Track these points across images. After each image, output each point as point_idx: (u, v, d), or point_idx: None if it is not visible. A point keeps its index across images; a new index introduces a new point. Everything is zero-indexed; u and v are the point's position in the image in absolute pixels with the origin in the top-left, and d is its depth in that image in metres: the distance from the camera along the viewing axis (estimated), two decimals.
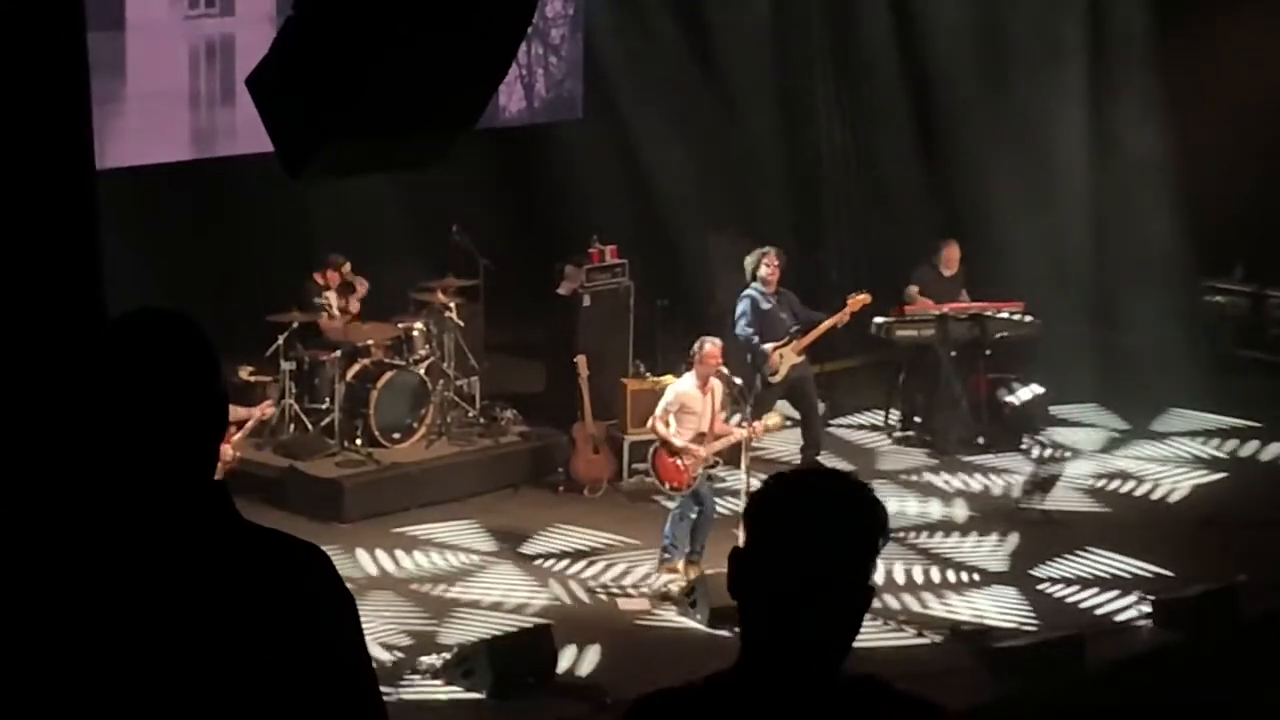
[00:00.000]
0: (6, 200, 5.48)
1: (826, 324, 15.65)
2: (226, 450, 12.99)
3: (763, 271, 15.65)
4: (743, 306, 15.68)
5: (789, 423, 15.43)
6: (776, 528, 3.15)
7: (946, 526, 14.87)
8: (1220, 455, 16.59)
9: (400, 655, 12.19)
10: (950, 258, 16.90)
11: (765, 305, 15.65)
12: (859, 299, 15.66)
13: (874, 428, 17.23)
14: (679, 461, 13.48)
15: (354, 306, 15.95)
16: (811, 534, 3.12)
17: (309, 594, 3.09)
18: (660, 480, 13.62)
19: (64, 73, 5.51)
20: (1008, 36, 18.19)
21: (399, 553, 14.06)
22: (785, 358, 15.62)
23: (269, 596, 3.04)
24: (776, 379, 15.61)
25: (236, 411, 13.75)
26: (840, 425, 17.20)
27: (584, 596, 13.43)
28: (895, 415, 17.13)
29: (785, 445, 16.22)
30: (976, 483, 15.91)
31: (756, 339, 15.59)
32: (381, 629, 12.49)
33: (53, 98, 5.49)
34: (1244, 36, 17.88)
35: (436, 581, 13.62)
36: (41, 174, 5.50)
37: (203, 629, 2.99)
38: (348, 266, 15.80)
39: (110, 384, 3.04)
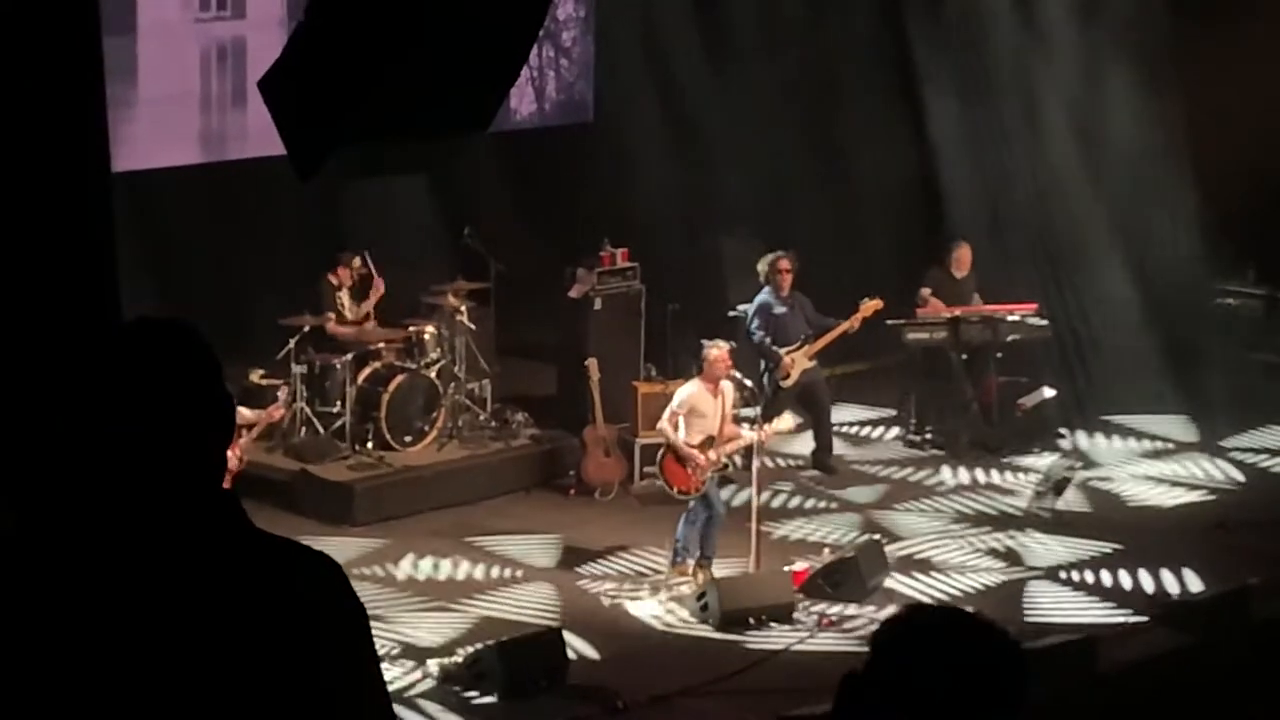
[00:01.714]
0: (25, 204, 5.49)
1: (839, 329, 15.66)
2: (232, 455, 12.99)
3: (775, 276, 15.68)
4: (755, 310, 15.71)
5: (798, 426, 15.43)
6: (923, 675, 2.81)
7: (952, 528, 14.87)
8: (1231, 457, 16.57)
9: (411, 659, 12.19)
10: (962, 259, 16.90)
11: (777, 309, 15.67)
12: (871, 304, 15.67)
13: (885, 431, 17.21)
14: (686, 466, 13.48)
15: (368, 307, 15.91)
16: (952, 700, 2.79)
17: (319, 604, 3.08)
18: (667, 484, 13.62)
19: (80, 78, 5.53)
20: (1018, 40, 18.18)
21: (409, 556, 14.07)
22: (797, 362, 15.64)
23: (279, 606, 3.03)
24: (788, 383, 15.63)
25: (244, 415, 13.76)
26: (851, 428, 17.19)
27: (595, 599, 13.43)
28: (907, 418, 17.11)
29: (796, 448, 16.22)
30: (987, 486, 15.89)
31: (769, 342, 15.60)
32: (390, 634, 12.49)
33: (69, 103, 5.51)
34: (1261, 38, 17.85)
35: (445, 585, 13.62)
36: (58, 178, 5.52)
37: (211, 639, 2.99)
38: (358, 262, 15.78)
39: (111, 397, 3.04)
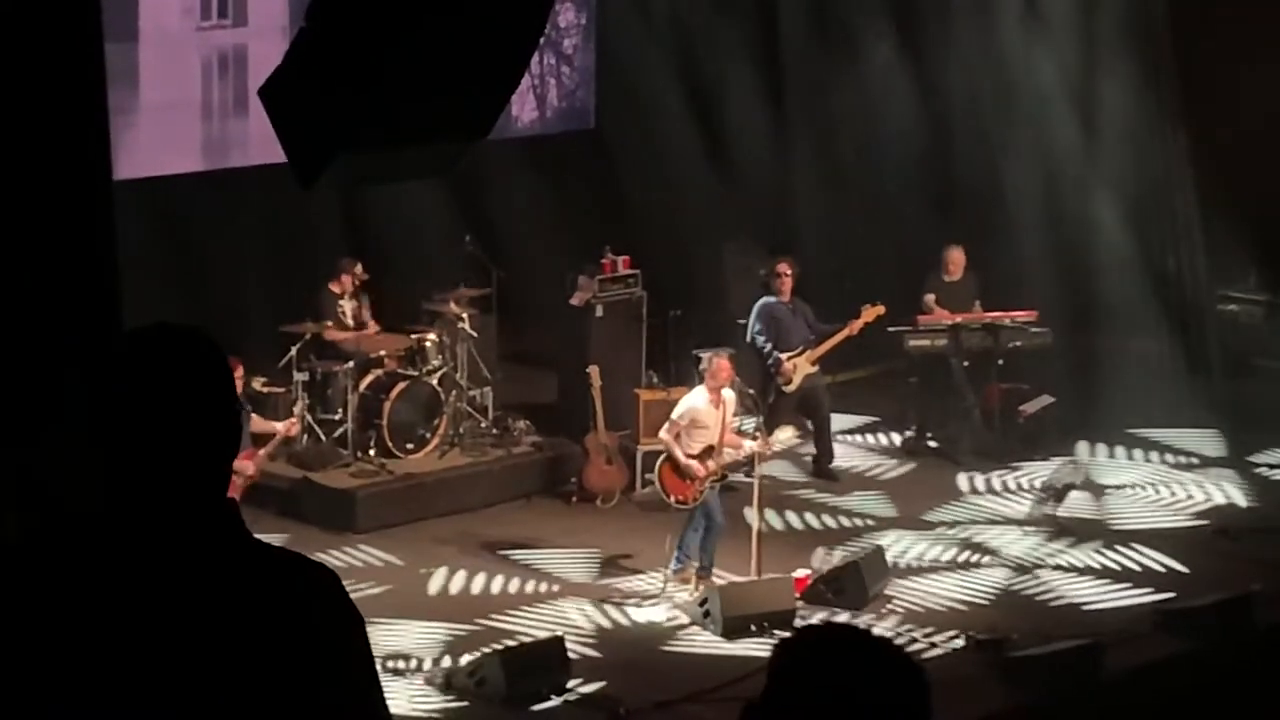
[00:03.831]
0: (26, 211, 5.49)
1: (840, 335, 15.69)
2: (249, 467, 13.01)
3: (776, 280, 15.70)
4: (757, 315, 15.73)
5: (800, 437, 15.43)
6: (809, 700, 2.75)
7: (954, 535, 14.86)
8: (1233, 463, 16.55)
9: (413, 667, 12.19)
10: (953, 261, 16.87)
11: (779, 314, 15.70)
12: (873, 310, 15.69)
13: (886, 438, 17.19)
14: (683, 476, 13.47)
15: (365, 314, 15.87)
16: (853, 716, 2.74)
17: (317, 614, 3.08)
18: (665, 493, 13.62)
19: (81, 85, 5.53)
20: (1021, 42, 18.17)
21: (413, 562, 14.06)
22: (799, 367, 15.65)
23: (277, 617, 3.04)
24: (790, 388, 15.65)
25: (261, 425, 13.75)
26: (853, 435, 17.17)
27: (596, 606, 13.41)
28: (908, 425, 17.09)
29: (797, 456, 16.20)
30: (989, 491, 15.88)
31: (770, 348, 15.61)
32: (392, 642, 12.48)
33: (70, 110, 5.51)
34: (1261, 41, 17.84)
35: (449, 592, 13.61)
36: (60, 185, 5.52)
37: (210, 648, 2.99)
38: (359, 268, 15.75)
39: (123, 400, 3.04)
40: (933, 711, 2.78)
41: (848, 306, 16.12)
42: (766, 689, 2.82)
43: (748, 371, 14.85)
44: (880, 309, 15.77)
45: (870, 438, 17.25)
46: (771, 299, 15.78)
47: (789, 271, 15.76)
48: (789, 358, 15.64)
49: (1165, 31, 17.86)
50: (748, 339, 15.76)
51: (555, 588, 13.73)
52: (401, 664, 12.18)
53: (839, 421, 16.75)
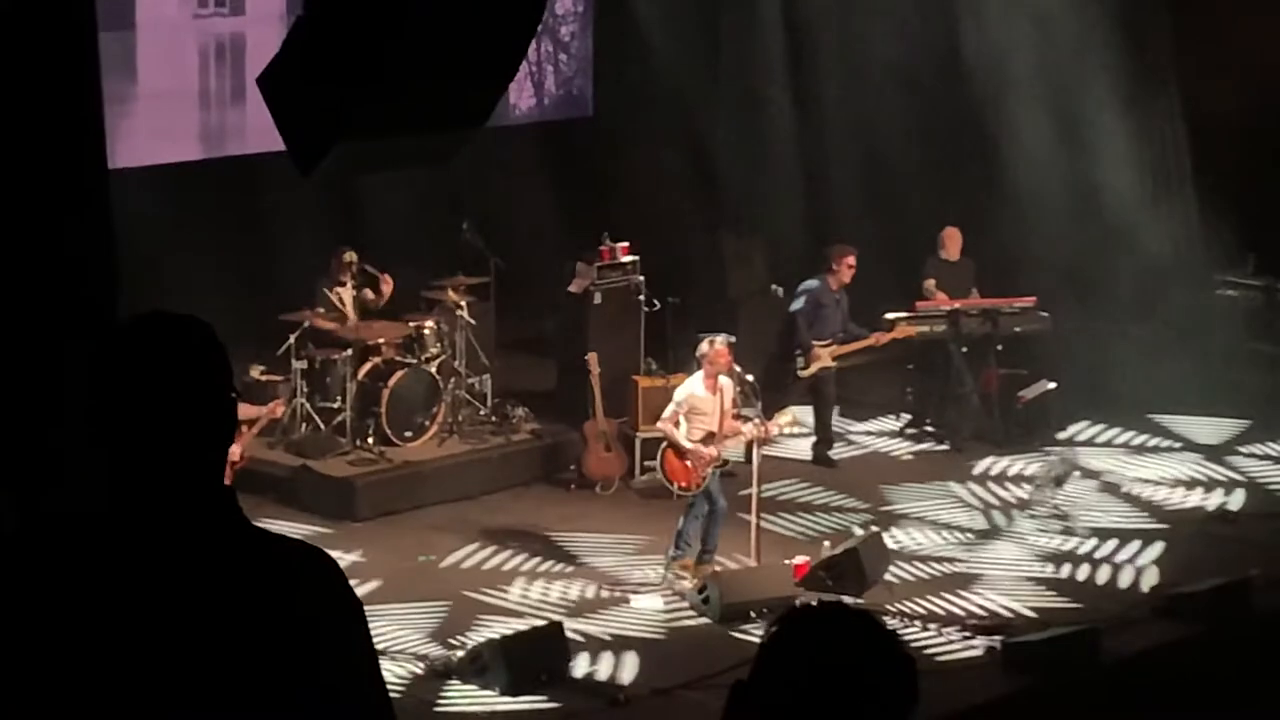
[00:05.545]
0: (22, 199, 5.49)
1: (865, 342, 15.92)
2: (235, 451, 13.00)
3: (839, 270, 15.75)
4: (804, 295, 15.80)
5: (801, 428, 15.45)
6: (795, 678, 2.78)
7: (953, 523, 14.87)
8: (1232, 449, 16.55)
9: (414, 654, 12.20)
10: (949, 238, 16.89)
11: (825, 301, 15.81)
12: (904, 329, 15.90)
13: (886, 423, 17.19)
14: (687, 462, 13.48)
15: (367, 296, 15.80)
16: (837, 694, 2.75)
17: (315, 600, 3.09)
18: (669, 481, 13.63)
19: (76, 74, 5.53)
20: (1017, 32, 18.14)
21: (412, 550, 14.07)
22: (820, 358, 15.73)
23: (275, 603, 3.04)
24: (806, 373, 15.74)
25: (246, 410, 13.74)
26: (852, 420, 17.17)
27: (596, 593, 13.42)
28: (907, 411, 17.10)
29: (797, 441, 16.20)
30: (988, 478, 15.89)
31: (805, 329, 15.70)
32: (393, 629, 12.49)
33: (65, 99, 5.51)
34: (1258, 27, 17.82)
35: (448, 581, 13.61)
36: (55, 174, 5.52)
37: (209, 634, 2.99)
38: (350, 255, 15.70)
39: (120, 387, 3.04)
40: (918, 690, 2.78)
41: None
42: (754, 665, 2.83)
43: (751, 354, 14.86)
44: (911, 331, 15.94)
45: (870, 424, 17.24)
46: (817, 284, 15.84)
47: (854, 264, 15.82)
48: (820, 345, 15.73)
49: (1161, 14, 17.84)
50: (789, 313, 15.80)
51: (555, 575, 13.74)
52: (402, 651, 12.19)
53: (846, 422, 16.79)
